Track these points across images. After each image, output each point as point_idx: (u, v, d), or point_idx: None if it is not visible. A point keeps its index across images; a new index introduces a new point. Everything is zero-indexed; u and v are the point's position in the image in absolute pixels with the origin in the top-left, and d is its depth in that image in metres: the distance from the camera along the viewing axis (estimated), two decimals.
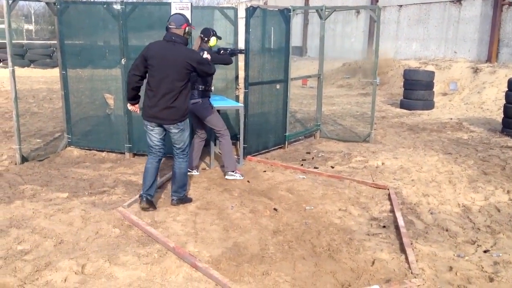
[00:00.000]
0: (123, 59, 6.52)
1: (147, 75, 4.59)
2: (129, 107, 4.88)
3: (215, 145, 6.99)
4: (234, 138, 7.09)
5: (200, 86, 5.68)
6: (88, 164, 6.52)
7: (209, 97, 5.87)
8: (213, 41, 5.83)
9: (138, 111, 4.99)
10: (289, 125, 7.69)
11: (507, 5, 13.46)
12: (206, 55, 5.45)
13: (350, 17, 20.61)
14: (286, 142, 7.55)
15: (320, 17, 7.95)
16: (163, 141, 4.79)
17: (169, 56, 4.44)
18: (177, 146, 4.75)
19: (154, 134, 4.69)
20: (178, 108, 4.53)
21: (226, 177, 5.89)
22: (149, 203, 4.75)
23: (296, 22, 24.67)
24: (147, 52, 4.51)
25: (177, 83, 4.47)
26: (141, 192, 4.80)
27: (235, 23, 7.42)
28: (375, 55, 7.80)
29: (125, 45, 6.52)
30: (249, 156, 6.76)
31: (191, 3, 6.33)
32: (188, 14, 6.23)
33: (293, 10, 7.15)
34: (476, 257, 3.99)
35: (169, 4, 6.37)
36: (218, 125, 5.88)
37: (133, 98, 4.77)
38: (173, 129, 4.62)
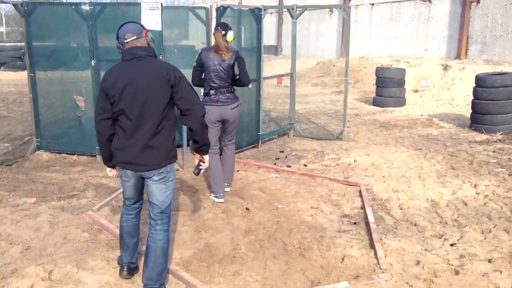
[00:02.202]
0: (93, 61, 6.45)
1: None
2: (109, 172, 3.49)
3: (187, 145, 6.97)
4: None
5: (232, 87, 5.16)
6: (58, 167, 6.41)
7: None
8: (230, 35, 5.04)
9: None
10: (263, 124, 7.71)
11: (475, 3, 13.75)
12: (236, 68, 5.02)
13: (323, 16, 20.76)
14: (260, 141, 7.57)
15: (292, 16, 7.99)
16: (142, 191, 3.50)
17: (138, 79, 3.13)
18: (155, 204, 3.27)
19: (130, 186, 3.38)
20: (160, 147, 3.20)
21: (226, 189, 5.41)
22: (132, 271, 3.60)
23: (271, 21, 24.74)
24: (105, 84, 3.18)
25: (157, 113, 3.15)
26: (121, 261, 3.58)
27: (207, 23, 7.40)
28: (346, 53, 7.87)
29: (95, 47, 6.44)
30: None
31: (161, 3, 6.29)
32: (158, 15, 6.20)
33: (264, 9, 7.16)
34: (443, 251, 4.08)
35: (138, 4, 6.32)
36: (235, 131, 5.43)
37: (111, 156, 3.33)
38: (154, 177, 3.23)
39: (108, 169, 3.48)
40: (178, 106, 3.20)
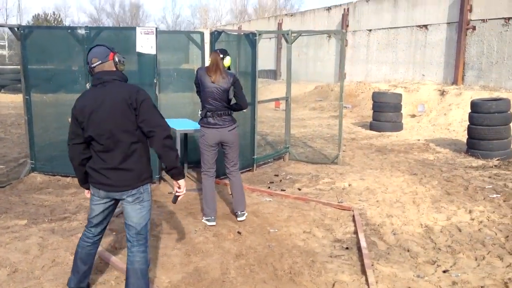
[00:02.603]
0: (88, 84, 6.48)
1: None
2: (87, 194, 3.48)
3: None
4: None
5: (229, 110, 5.14)
6: (51, 190, 6.39)
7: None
8: (228, 61, 5.07)
9: None
10: (259, 148, 7.71)
11: (471, 29, 13.92)
12: (231, 91, 5.01)
13: (322, 41, 21.01)
14: (255, 165, 7.56)
15: (287, 41, 8.08)
16: (108, 220, 3.49)
17: (103, 105, 3.13)
18: (131, 225, 3.26)
19: (99, 208, 3.35)
20: (133, 169, 3.21)
21: (241, 218, 5.25)
22: None
23: (270, 46, 25.03)
24: (75, 110, 3.20)
25: (126, 137, 3.16)
26: (69, 284, 3.52)
27: (201, 47, 7.48)
28: (340, 77, 7.94)
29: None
30: (216, 179, 6.71)
31: (156, 28, 6.38)
32: (153, 39, 6.27)
33: (259, 34, 7.25)
34: (435, 277, 4.03)
35: (134, 28, 6.40)
36: (238, 155, 5.35)
37: (86, 179, 3.36)
38: (127, 198, 3.23)
39: (86, 191, 3.47)
40: (142, 129, 3.18)
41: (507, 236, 4.88)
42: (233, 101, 5.19)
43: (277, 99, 9.14)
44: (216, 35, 6.49)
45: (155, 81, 6.36)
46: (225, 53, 5.08)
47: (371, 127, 11.99)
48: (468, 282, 3.90)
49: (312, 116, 14.70)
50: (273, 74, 24.89)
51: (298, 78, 22.35)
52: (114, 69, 3.25)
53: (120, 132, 3.14)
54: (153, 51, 6.30)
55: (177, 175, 3.27)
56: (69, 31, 6.51)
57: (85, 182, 3.37)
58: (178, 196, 3.37)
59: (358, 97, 15.92)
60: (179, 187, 3.32)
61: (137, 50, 6.32)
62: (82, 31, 6.41)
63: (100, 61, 3.21)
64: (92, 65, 3.22)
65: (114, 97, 3.13)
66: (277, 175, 7.34)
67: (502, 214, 5.51)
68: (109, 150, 3.16)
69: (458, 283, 3.88)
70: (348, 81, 19.04)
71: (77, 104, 3.21)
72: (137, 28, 6.32)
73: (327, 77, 20.50)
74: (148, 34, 6.24)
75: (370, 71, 18.34)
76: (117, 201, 3.34)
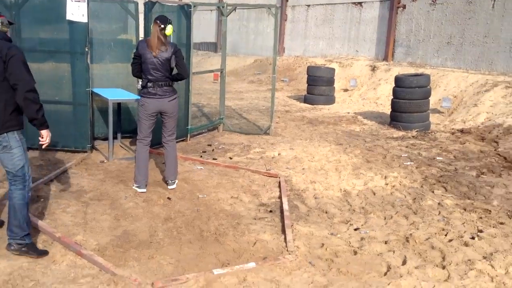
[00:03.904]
0: None
1: None
2: None
3: (115, 138, 7.02)
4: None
5: (170, 81, 5.24)
6: None
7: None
8: (169, 29, 5.08)
9: None
10: (195, 119, 7.86)
11: (402, 8, 14.57)
12: (173, 60, 5.10)
13: (262, 15, 21.11)
14: (189, 135, 7.73)
15: (222, 14, 8.20)
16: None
17: None
18: (7, 170, 3.73)
19: None
20: None
21: (171, 187, 5.45)
22: None
23: (211, 18, 24.84)
24: None
25: None
26: None
27: (136, 17, 7.45)
28: (274, 52, 8.21)
29: (18, 37, 6.34)
30: (150, 148, 6.83)
31: None
32: (84, 6, 6.21)
33: (194, 6, 7.32)
34: (346, 235, 4.44)
35: None
36: (175, 126, 5.49)
37: None
38: None
39: None
40: (9, 82, 3.55)
41: (415, 199, 5.40)
42: (175, 71, 5.30)
43: (211, 71, 9.27)
44: (149, 5, 6.50)
45: (86, 49, 6.31)
46: (165, 21, 5.08)
47: (305, 100, 12.42)
48: (375, 238, 4.35)
49: (250, 89, 14.95)
50: (214, 47, 24.77)
51: (238, 51, 22.44)
52: None
53: None
54: (84, 19, 6.23)
55: (39, 126, 3.69)
56: None
57: None
58: (42, 144, 3.79)
59: (295, 71, 16.32)
60: (41, 137, 3.74)
61: (67, 18, 6.23)
62: None
63: None
64: None
65: None
66: (210, 145, 7.56)
67: (413, 179, 6.05)
68: None
69: (366, 239, 4.31)
70: (287, 55, 19.40)
71: None
72: None
73: (267, 50, 20.68)
74: (79, 2, 6.16)
75: (308, 46, 18.75)
76: None
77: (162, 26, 5.04)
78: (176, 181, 5.53)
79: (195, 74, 7.87)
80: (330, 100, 12.23)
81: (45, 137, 3.74)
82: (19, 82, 3.53)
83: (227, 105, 9.97)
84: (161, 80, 5.15)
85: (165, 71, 5.16)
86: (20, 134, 3.73)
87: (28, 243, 3.74)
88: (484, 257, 3.94)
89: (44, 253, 3.78)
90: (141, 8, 6.81)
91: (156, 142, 6.96)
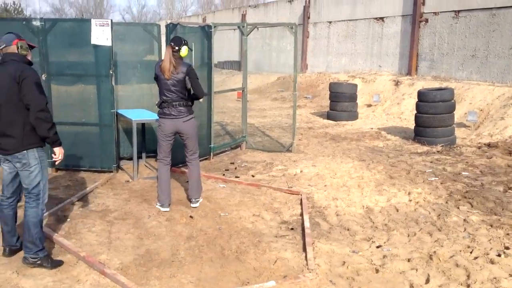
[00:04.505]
0: (43, 75, 6.57)
1: None
2: None
3: (140, 158, 7.15)
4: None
5: (188, 102, 5.31)
6: None
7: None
8: (184, 50, 5.17)
9: None
10: (218, 137, 7.94)
11: (424, 22, 14.49)
12: (187, 81, 5.15)
13: (284, 32, 21.31)
14: (211, 154, 7.81)
15: (242, 33, 8.32)
16: (16, 185, 4.03)
17: (0, 79, 3.79)
18: (24, 186, 3.94)
19: (5, 169, 3.98)
20: (15, 137, 3.79)
21: (194, 205, 5.51)
22: (14, 252, 4.12)
23: (234, 37, 25.21)
24: None
25: (11, 107, 3.77)
26: (3, 243, 4.14)
27: (158, 40, 7.64)
28: (294, 68, 8.28)
29: (46, 61, 6.58)
30: (173, 167, 6.94)
31: (111, 20, 6.51)
32: (108, 31, 6.41)
33: (214, 26, 7.46)
34: (368, 252, 4.40)
35: (89, 20, 6.52)
36: (197, 145, 5.54)
37: None
38: (16, 164, 3.85)
39: None
40: (24, 102, 3.76)
41: (439, 215, 5.31)
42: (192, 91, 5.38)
43: (233, 90, 9.38)
44: (171, 27, 6.67)
45: (110, 72, 6.50)
46: (180, 43, 5.16)
47: (328, 116, 12.41)
48: (397, 255, 4.29)
49: (273, 107, 15.03)
50: (238, 65, 25.07)
51: (261, 69, 22.65)
52: (16, 52, 3.86)
53: (7, 103, 3.76)
54: (108, 43, 6.43)
55: (52, 143, 3.89)
56: (24, 22, 6.56)
57: None
58: (55, 161, 3.99)
59: (318, 87, 16.35)
60: (54, 154, 3.93)
61: (92, 42, 6.45)
62: (37, 23, 6.48)
63: (4, 45, 3.87)
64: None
65: (7, 73, 3.75)
66: (232, 163, 7.62)
67: (437, 195, 5.96)
68: (0, 117, 3.80)
69: (388, 256, 4.26)
70: (310, 72, 19.48)
71: None
72: (92, 20, 6.43)
73: (290, 68, 20.79)
74: (103, 26, 6.37)
75: (330, 62, 18.79)
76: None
77: (176, 48, 5.13)
78: (200, 199, 5.60)
79: (216, 93, 7.97)
80: (353, 116, 12.19)
81: (58, 154, 3.92)
82: (31, 103, 3.73)
83: (250, 123, 10.05)
84: (175, 100, 5.22)
85: (179, 92, 5.21)
86: (41, 152, 3.92)
87: (41, 257, 3.91)
88: (511, 275, 3.84)
89: (58, 264, 3.96)
90: (163, 29, 6.98)
91: (180, 161, 7.08)
